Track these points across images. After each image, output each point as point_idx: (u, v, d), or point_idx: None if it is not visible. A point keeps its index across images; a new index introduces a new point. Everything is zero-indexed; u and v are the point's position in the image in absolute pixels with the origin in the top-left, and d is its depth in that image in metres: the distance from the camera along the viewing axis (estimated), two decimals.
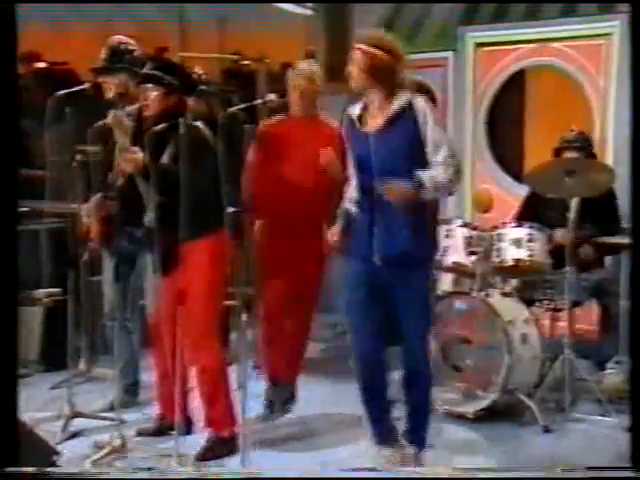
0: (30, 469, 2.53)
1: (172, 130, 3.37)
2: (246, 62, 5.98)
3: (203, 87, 4.36)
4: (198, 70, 4.53)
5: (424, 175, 3.04)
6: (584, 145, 4.45)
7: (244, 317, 3.21)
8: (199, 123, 3.54)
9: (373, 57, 3.05)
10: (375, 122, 3.11)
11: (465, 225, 4.30)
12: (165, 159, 3.47)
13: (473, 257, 4.18)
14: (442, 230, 4.24)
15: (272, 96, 3.55)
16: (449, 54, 5.68)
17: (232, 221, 3.31)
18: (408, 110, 3.06)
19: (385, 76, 3.07)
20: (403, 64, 3.08)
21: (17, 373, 2.60)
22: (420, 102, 3.08)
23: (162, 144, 3.48)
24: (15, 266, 2.51)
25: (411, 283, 3.11)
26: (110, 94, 3.99)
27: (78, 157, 3.72)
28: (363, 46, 3.09)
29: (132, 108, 3.85)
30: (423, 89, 5.77)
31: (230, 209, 3.30)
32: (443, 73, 5.72)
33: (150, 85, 3.54)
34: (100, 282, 4.18)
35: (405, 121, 3.06)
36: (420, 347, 3.15)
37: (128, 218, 3.73)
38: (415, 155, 3.05)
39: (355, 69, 3.09)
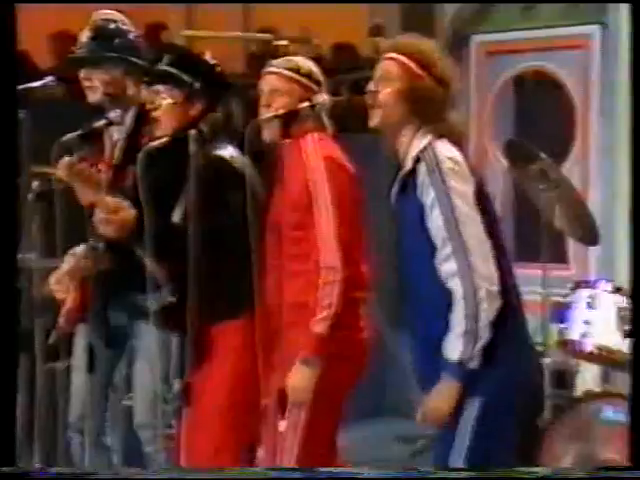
0: (29, 468, 3.03)
1: (180, 154, 3.46)
2: (282, 43, 5.84)
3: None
4: (208, 57, 4.36)
5: (447, 351, 2.93)
6: None
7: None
8: (228, 152, 3.57)
9: (418, 78, 2.98)
10: (393, 185, 3.08)
11: (618, 290, 4.26)
12: (178, 216, 3.55)
13: (631, 340, 3.80)
14: (583, 297, 4.22)
15: (323, 96, 3.46)
16: (593, 29, 5.59)
17: None
18: (413, 173, 2.99)
19: (427, 111, 2.99)
20: (452, 98, 3.02)
21: (17, 368, 2.96)
22: (431, 152, 2.95)
23: (165, 176, 3.55)
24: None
25: None
26: (95, 96, 3.92)
27: (36, 185, 3.73)
28: (404, 58, 3.00)
29: (116, 115, 3.83)
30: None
31: None
32: (584, 57, 5.62)
33: (163, 88, 3.61)
34: (67, 371, 4.12)
35: (411, 189, 2.99)
36: None
37: (119, 282, 3.77)
38: (427, 248, 2.97)
39: (388, 90, 3.00)
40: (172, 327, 3.62)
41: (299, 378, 3.30)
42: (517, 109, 6.02)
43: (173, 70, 3.61)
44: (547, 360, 4.38)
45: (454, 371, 2.90)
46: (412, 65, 2.98)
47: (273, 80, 3.44)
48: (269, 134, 3.41)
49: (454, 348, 2.89)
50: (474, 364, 2.89)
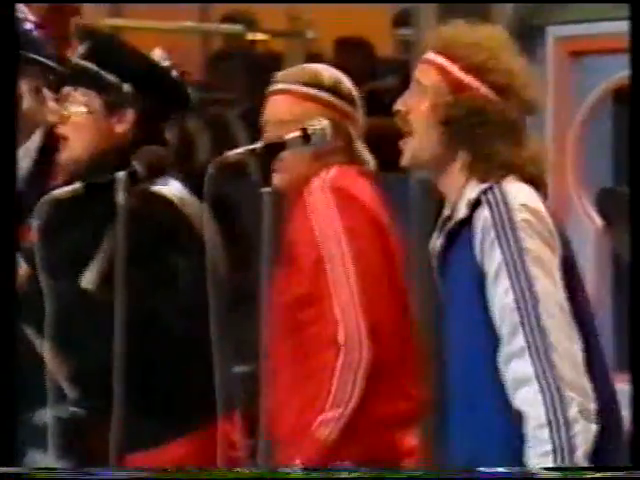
0: (28, 470, 3.45)
1: (100, 204, 3.53)
2: (260, 38, 5.76)
3: None
4: (158, 55, 4.46)
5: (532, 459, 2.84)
6: None
7: None
8: (173, 190, 3.70)
9: (461, 89, 2.99)
10: (434, 240, 3.17)
11: None
12: (91, 277, 3.65)
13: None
14: None
15: (323, 122, 3.34)
16: None
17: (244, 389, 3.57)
18: (467, 223, 3.03)
19: (478, 138, 2.99)
20: (523, 115, 3.00)
21: (16, 367, 3.34)
22: (498, 194, 2.94)
23: (76, 234, 3.69)
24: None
25: None
26: None
27: None
28: (442, 59, 3.02)
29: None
30: None
31: (238, 368, 3.63)
32: None
33: (74, 91, 3.72)
34: None
35: (463, 247, 3.03)
36: None
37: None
38: (484, 336, 2.99)
39: (421, 106, 3.03)
40: (79, 457, 3.61)
41: None
42: (617, 138, 5.74)
43: (88, 64, 3.64)
44: None
45: None
46: (453, 69, 2.96)
47: (283, 103, 3.46)
48: (277, 179, 3.30)
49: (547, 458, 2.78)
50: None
